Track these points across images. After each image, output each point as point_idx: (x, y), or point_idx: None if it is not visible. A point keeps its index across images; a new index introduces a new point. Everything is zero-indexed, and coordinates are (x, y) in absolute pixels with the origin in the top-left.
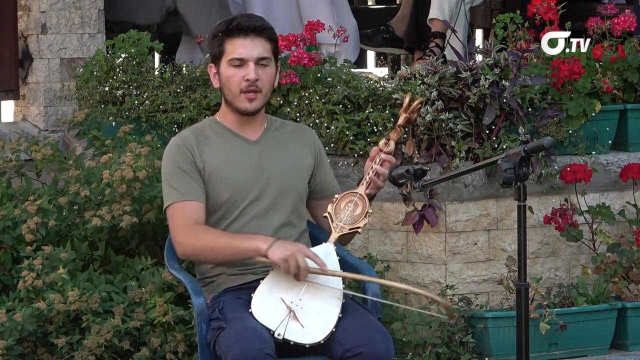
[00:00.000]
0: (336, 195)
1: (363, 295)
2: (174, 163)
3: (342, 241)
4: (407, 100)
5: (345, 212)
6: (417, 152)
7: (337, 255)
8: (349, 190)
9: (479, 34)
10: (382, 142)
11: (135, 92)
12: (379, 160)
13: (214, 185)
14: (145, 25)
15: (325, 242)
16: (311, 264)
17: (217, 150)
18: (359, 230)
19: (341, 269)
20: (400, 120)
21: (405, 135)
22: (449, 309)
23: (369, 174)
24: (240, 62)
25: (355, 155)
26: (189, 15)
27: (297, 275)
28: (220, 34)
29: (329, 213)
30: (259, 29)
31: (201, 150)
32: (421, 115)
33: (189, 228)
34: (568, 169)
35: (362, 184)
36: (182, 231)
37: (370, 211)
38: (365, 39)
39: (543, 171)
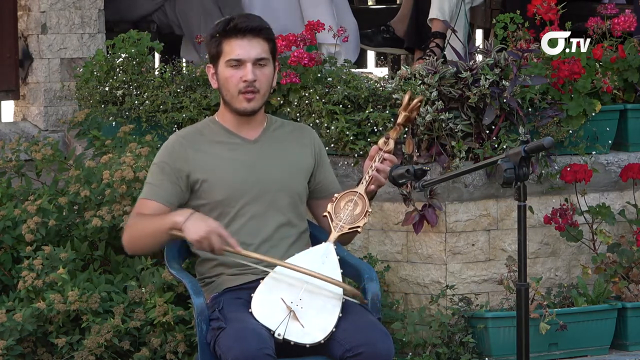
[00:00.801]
0: (336, 195)
1: (354, 300)
2: (160, 159)
3: (343, 241)
4: (406, 98)
5: (345, 211)
6: (417, 152)
7: (337, 255)
8: (348, 190)
9: (479, 34)
10: (381, 140)
11: (135, 92)
12: (379, 158)
13: (210, 184)
14: (141, 18)
15: (325, 241)
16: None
17: (215, 150)
18: (359, 229)
19: (341, 269)
20: (400, 119)
21: (405, 135)
22: (360, 297)
23: (368, 172)
24: (238, 63)
25: (356, 155)
26: (182, 15)
27: (212, 252)
28: (217, 34)
29: (328, 212)
30: (257, 29)
31: (197, 149)
32: (421, 115)
33: (129, 222)
34: (568, 169)
35: (362, 183)
36: (125, 227)
37: (370, 210)
38: (366, 39)
39: (543, 171)
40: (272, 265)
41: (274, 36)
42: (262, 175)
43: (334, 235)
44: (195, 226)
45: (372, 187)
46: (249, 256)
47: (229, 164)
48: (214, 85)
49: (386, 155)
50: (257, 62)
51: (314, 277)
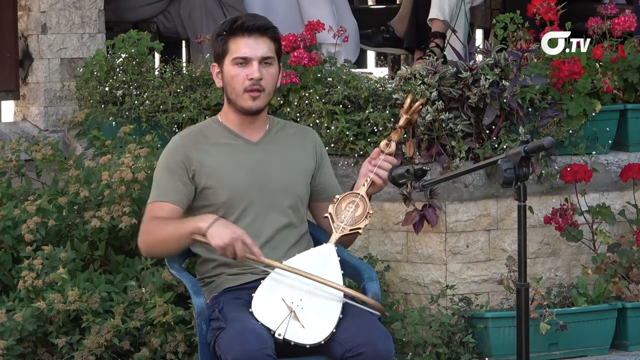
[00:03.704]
0: (337, 196)
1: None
2: (165, 161)
3: (343, 242)
4: (407, 101)
5: (346, 212)
6: (417, 153)
7: (337, 256)
8: (350, 192)
9: (479, 34)
10: (383, 143)
11: (135, 92)
12: (380, 161)
13: (213, 186)
14: (146, 19)
15: (326, 242)
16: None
17: (217, 151)
18: (360, 231)
19: (341, 269)
20: (401, 122)
21: (405, 136)
22: (382, 310)
23: (369, 176)
24: (244, 61)
25: (356, 155)
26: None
27: (234, 259)
28: (224, 32)
29: (329, 214)
30: (263, 28)
31: (200, 150)
32: (421, 115)
33: (144, 225)
34: (568, 169)
35: (363, 185)
36: (140, 230)
37: (371, 212)
38: (366, 39)
39: (543, 171)
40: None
41: (280, 36)
42: (264, 177)
43: (335, 236)
44: (219, 232)
45: (373, 189)
46: (272, 265)
47: (232, 166)
48: (219, 84)
49: (387, 158)
50: (264, 61)
51: (338, 289)
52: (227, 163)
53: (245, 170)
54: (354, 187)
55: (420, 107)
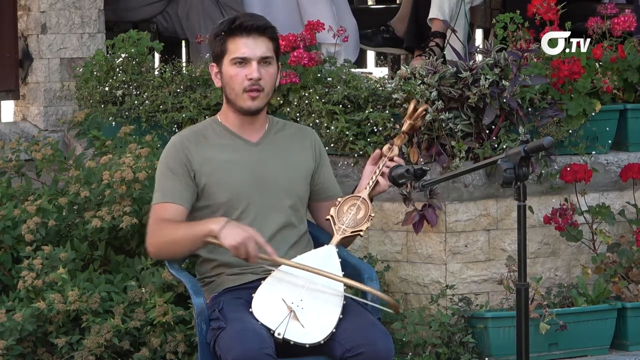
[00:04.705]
0: (339, 199)
1: (362, 300)
2: (166, 162)
3: (344, 243)
4: (411, 106)
5: (348, 215)
6: (419, 155)
7: (338, 257)
8: (352, 194)
9: (479, 33)
10: (385, 147)
11: (135, 92)
12: (383, 164)
13: (212, 186)
14: (146, 19)
15: (327, 244)
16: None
17: (217, 151)
18: (361, 233)
19: (342, 269)
20: (405, 127)
21: (407, 143)
22: (396, 306)
23: (372, 177)
24: (243, 61)
25: (355, 155)
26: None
27: (247, 260)
28: (222, 32)
29: (331, 216)
30: (262, 28)
31: (199, 150)
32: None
33: (153, 227)
34: (568, 168)
35: (365, 187)
36: (149, 232)
37: (372, 215)
38: (365, 39)
39: (543, 171)
40: (276, 266)
41: (278, 36)
42: (264, 177)
43: (336, 238)
44: (232, 233)
45: (376, 191)
46: (285, 264)
47: (232, 167)
48: (217, 84)
49: (389, 163)
50: (262, 61)
51: (353, 286)
52: (227, 163)
53: (244, 170)
54: (356, 189)
55: (424, 112)
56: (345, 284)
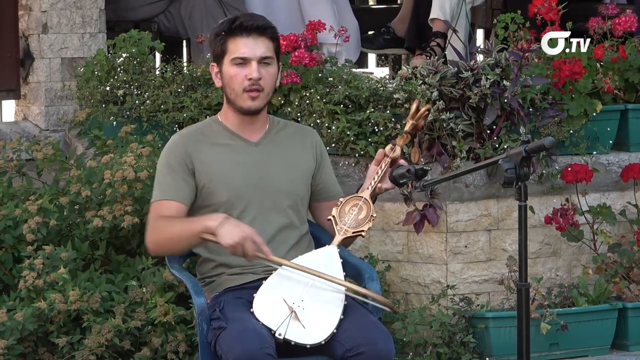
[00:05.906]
0: (341, 199)
1: (364, 299)
2: (166, 160)
3: (345, 243)
4: (414, 107)
5: (349, 215)
6: (420, 155)
7: (340, 257)
8: (354, 195)
9: (480, 33)
10: (388, 147)
11: (136, 92)
12: (385, 165)
13: (212, 186)
14: (147, 19)
15: (329, 244)
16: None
17: (217, 151)
18: (363, 233)
19: (342, 270)
20: (407, 127)
21: (409, 142)
22: (392, 307)
23: (374, 178)
24: (243, 61)
25: (356, 155)
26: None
27: (244, 257)
28: (222, 32)
29: (333, 216)
30: (262, 28)
31: (199, 150)
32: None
33: (152, 224)
34: (569, 169)
35: (368, 188)
36: (148, 229)
37: (374, 215)
38: (367, 42)
39: (544, 171)
40: (278, 265)
41: (279, 35)
42: (264, 177)
43: (337, 238)
44: (229, 231)
45: (379, 191)
46: (281, 263)
47: (232, 167)
48: (218, 84)
49: (397, 160)
50: (262, 61)
51: (348, 288)
52: (226, 163)
53: (244, 170)
54: (359, 189)
55: (427, 112)
56: (343, 286)
